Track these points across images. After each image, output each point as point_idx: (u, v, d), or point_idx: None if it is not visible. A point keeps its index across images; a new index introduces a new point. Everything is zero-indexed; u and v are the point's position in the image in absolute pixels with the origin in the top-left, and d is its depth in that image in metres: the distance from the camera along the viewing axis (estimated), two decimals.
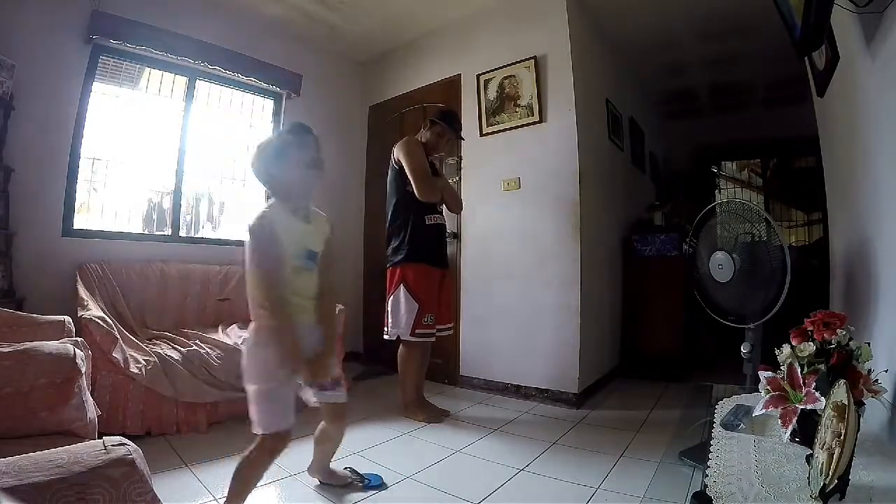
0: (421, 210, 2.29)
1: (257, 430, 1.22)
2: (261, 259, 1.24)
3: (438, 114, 2.44)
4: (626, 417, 2.32)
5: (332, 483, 1.56)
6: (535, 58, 2.80)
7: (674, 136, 5.10)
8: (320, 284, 1.38)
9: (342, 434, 1.50)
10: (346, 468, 1.62)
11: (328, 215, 1.48)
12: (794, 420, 0.97)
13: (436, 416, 2.30)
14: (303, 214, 1.35)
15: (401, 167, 2.30)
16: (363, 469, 1.65)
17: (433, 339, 2.33)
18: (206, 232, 3.18)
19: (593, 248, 2.81)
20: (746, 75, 3.91)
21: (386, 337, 2.33)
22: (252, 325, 1.29)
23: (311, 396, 1.39)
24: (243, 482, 1.24)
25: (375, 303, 3.59)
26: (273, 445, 1.24)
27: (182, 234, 2.95)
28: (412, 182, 2.23)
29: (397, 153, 2.32)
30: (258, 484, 1.28)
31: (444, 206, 2.44)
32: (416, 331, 2.23)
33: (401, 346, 2.32)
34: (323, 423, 1.48)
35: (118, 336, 1.97)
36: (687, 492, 1.48)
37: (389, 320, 2.30)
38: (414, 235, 2.27)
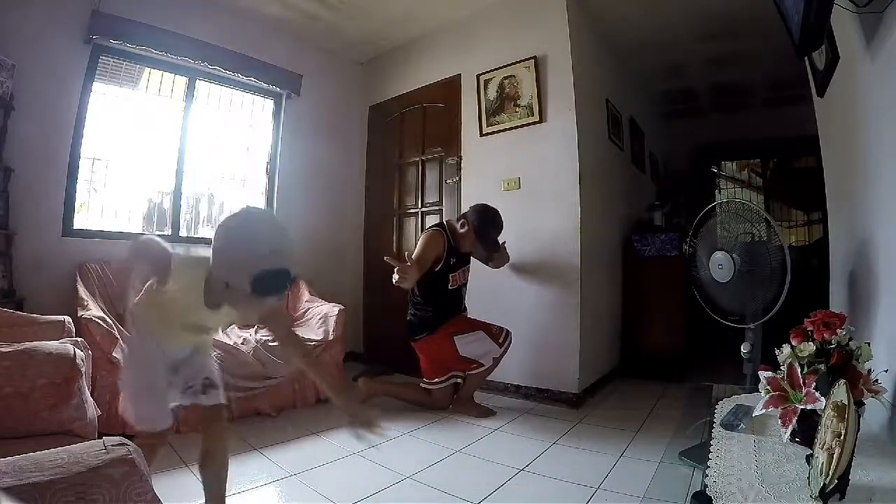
0: (444, 281, 2.40)
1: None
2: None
3: (478, 221, 2.39)
4: (626, 417, 2.32)
5: None
6: (535, 58, 2.79)
7: (674, 136, 5.09)
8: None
9: (226, 453, 1.22)
10: None
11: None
12: (794, 420, 0.97)
13: (485, 413, 2.40)
14: (217, 304, 1.11)
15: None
16: (362, 470, 1.64)
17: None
18: (206, 232, 3.18)
19: (593, 248, 2.80)
20: (746, 75, 3.91)
21: (483, 369, 2.41)
22: None
23: (177, 398, 1.21)
24: None
25: (375, 303, 3.60)
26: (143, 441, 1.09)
27: (182, 234, 2.95)
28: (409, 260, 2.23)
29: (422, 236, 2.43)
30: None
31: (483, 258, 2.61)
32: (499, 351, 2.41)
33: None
34: (202, 439, 1.22)
35: (118, 336, 1.97)
36: (687, 492, 1.48)
37: (477, 360, 2.38)
38: (437, 308, 2.41)
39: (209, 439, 1.22)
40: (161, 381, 1.16)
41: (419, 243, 2.38)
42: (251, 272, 0.95)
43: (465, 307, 2.60)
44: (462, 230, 2.43)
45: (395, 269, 2.07)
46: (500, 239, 2.50)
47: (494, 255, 2.57)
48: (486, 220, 2.42)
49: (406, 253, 2.21)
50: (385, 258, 2.12)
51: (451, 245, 2.41)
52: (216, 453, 1.21)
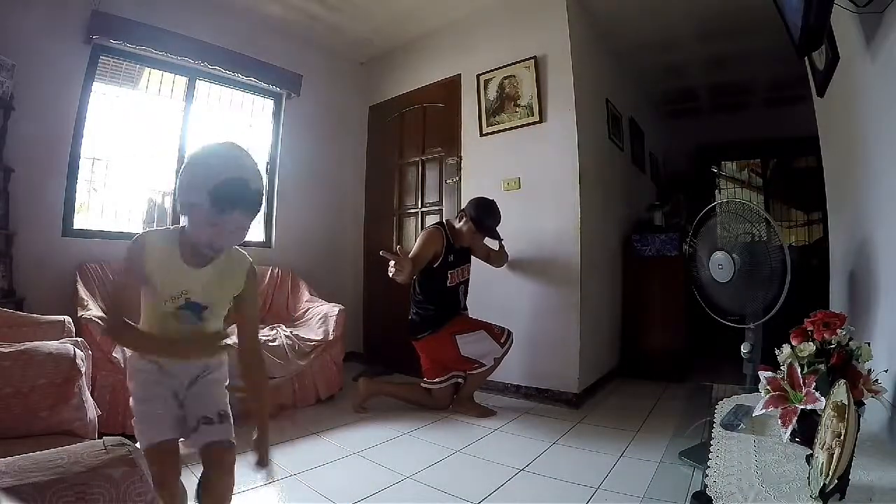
0: (443, 279, 2.40)
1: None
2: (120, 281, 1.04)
3: (474, 210, 2.42)
4: (626, 417, 2.32)
5: None
6: (535, 58, 2.79)
7: (674, 136, 5.09)
8: (246, 356, 1.18)
9: (231, 489, 1.10)
10: None
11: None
12: (794, 420, 0.97)
13: (486, 412, 2.40)
14: (200, 254, 1.03)
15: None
16: (362, 470, 1.64)
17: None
18: None
19: (593, 248, 2.81)
20: (746, 75, 3.91)
21: (484, 369, 2.41)
22: None
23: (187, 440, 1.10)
24: None
25: (376, 303, 3.60)
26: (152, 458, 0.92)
27: None
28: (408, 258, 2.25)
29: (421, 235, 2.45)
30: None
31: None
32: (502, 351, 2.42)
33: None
34: (202, 471, 1.09)
35: None
36: (687, 492, 1.48)
37: (478, 360, 2.38)
38: (438, 306, 2.42)
39: (216, 474, 1.08)
40: (163, 408, 1.07)
41: (417, 241, 2.40)
42: (208, 186, 0.91)
43: (466, 307, 2.60)
44: (459, 224, 2.44)
45: (391, 262, 2.09)
46: (498, 237, 2.51)
47: (493, 251, 2.57)
48: (484, 209, 2.44)
49: (398, 246, 2.23)
50: (381, 252, 2.13)
51: (449, 242, 2.42)
52: (221, 489, 1.08)
